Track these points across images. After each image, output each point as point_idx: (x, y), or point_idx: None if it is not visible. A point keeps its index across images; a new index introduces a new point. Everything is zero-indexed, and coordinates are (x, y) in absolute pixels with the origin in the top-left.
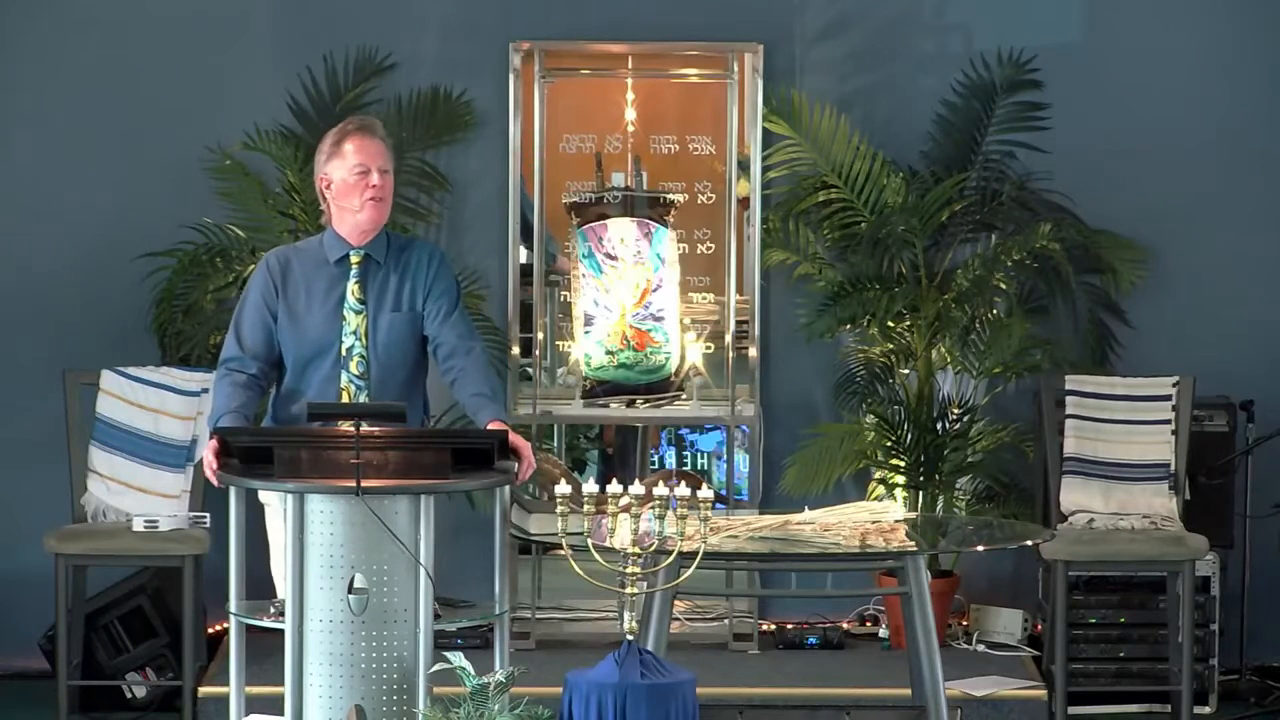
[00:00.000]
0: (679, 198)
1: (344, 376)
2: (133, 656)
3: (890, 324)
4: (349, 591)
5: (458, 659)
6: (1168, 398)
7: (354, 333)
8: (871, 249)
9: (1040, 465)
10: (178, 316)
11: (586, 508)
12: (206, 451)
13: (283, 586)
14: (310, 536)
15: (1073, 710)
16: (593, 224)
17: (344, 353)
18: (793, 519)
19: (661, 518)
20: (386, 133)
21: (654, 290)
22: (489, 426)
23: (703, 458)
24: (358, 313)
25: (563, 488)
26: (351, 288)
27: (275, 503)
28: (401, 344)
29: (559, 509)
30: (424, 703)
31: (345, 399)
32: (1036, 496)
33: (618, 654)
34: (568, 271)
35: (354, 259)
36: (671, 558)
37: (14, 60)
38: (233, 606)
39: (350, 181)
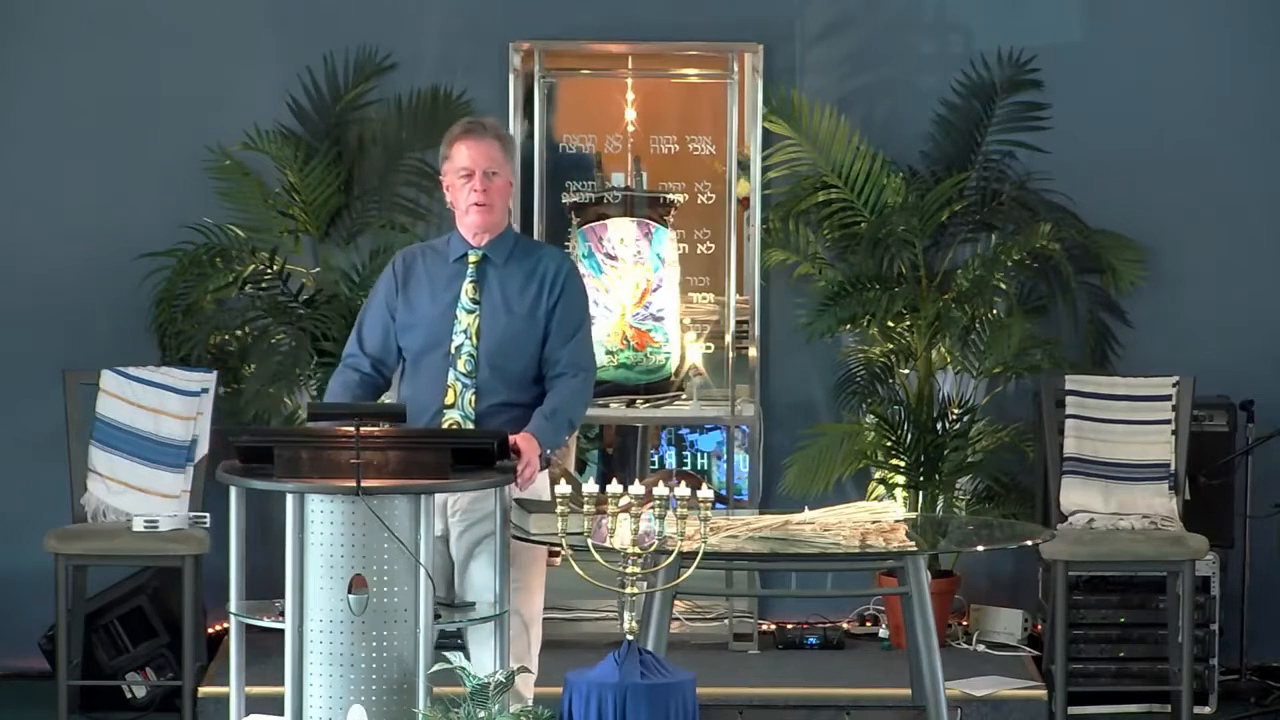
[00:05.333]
0: (679, 198)
1: (451, 374)
2: (133, 656)
3: (890, 324)
4: (349, 591)
5: (458, 659)
6: (1168, 398)
7: (464, 331)
8: (871, 249)
9: (1040, 465)
10: (178, 316)
11: (586, 508)
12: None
13: None
14: (310, 536)
15: (1073, 710)
16: (593, 224)
17: (453, 350)
18: (793, 519)
19: (661, 518)
20: (508, 134)
21: (654, 290)
22: (517, 436)
23: (703, 458)
24: (470, 312)
25: (563, 488)
26: (466, 287)
27: None
28: (514, 345)
29: (559, 509)
30: (424, 703)
31: (451, 396)
32: (1036, 496)
33: (618, 654)
34: None
35: (471, 259)
36: (671, 558)
37: (14, 60)
38: (233, 606)
39: (457, 185)
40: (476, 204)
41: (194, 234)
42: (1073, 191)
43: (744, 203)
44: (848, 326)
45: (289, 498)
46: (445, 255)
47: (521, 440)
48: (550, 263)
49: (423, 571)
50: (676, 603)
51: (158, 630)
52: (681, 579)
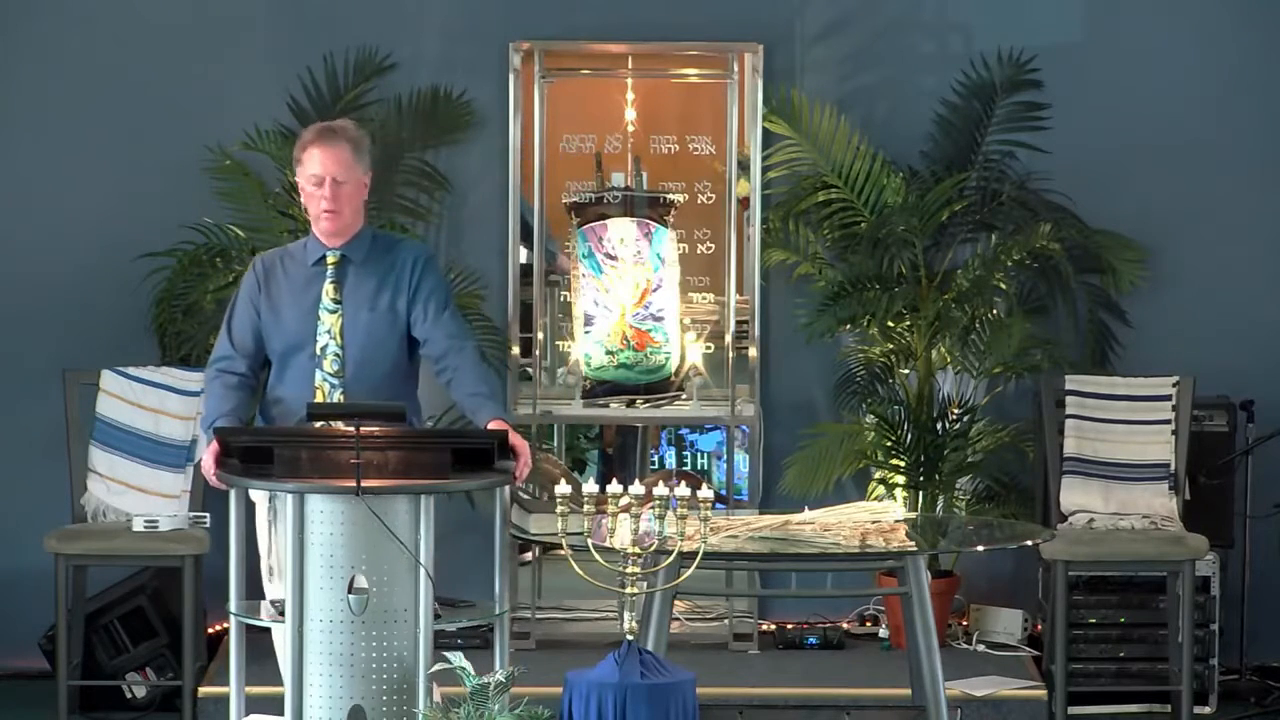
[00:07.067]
0: (679, 198)
1: (318, 374)
2: (133, 656)
3: (890, 324)
4: (349, 591)
5: (458, 659)
6: (1168, 398)
7: (328, 331)
8: (871, 249)
9: (1040, 465)
10: (178, 316)
11: (586, 508)
12: (206, 455)
13: (269, 586)
14: (310, 536)
15: (1073, 710)
16: (593, 224)
17: (318, 351)
18: (793, 519)
19: (661, 518)
20: (361, 133)
21: (654, 290)
22: (489, 425)
23: (703, 458)
24: (332, 312)
25: (563, 488)
26: (327, 288)
27: (264, 502)
28: (380, 344)
29: (559, 509)
30: (424, 703)
31: (320, 397)
32: (1036, 496)
33: (618, 654)
34: (568, 271)
35: (330, 260)
36: (671, 558)
37: (14, 60)
38: (233, 606)
39: (309, 191)
40: (326, 211)
41: (194, 234)
42: (1073, 191)
43: (744, 203)
44: (848, 326)
45: (289, 498)
46: (303, 259)
47: (511, 434)
48: (408, 255)
49: (423, 571)
50: (676, 603)
51: (158, 630)
52: (681, 579)
